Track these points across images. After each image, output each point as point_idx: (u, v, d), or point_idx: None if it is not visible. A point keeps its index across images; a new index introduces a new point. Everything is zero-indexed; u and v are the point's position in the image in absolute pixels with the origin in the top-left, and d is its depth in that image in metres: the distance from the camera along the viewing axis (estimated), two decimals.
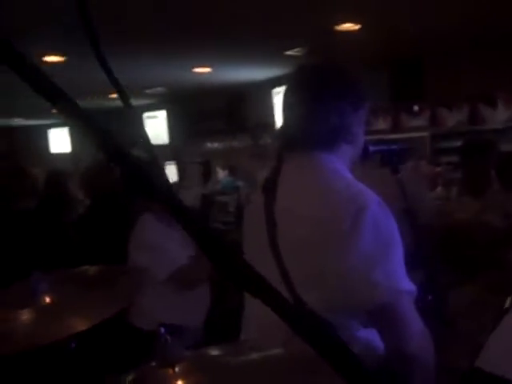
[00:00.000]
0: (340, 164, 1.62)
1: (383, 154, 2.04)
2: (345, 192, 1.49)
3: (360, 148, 1.71)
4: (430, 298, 2.19)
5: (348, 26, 5.35)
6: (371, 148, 1.87)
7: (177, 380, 0.87)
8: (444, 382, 1.77)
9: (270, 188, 1.60)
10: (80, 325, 1.42)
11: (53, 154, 13.95)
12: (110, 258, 2.33)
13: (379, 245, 1.41)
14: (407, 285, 1.42)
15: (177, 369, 0.87)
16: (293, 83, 1.66)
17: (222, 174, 9.04)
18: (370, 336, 1.51)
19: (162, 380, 0.88)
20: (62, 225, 4.18)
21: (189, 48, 5.97)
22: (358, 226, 1.39)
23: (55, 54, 6.23)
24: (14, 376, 1.78)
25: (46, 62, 6.43)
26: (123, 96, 0.67)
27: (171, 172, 10.10)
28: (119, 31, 5.06)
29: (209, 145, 9.78)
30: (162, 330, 0.87)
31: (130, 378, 0.90)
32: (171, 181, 9.80)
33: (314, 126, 1.57)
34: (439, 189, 4.54)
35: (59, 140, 13.75)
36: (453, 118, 7.04)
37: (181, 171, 10.04)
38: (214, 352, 1.00)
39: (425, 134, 7.09)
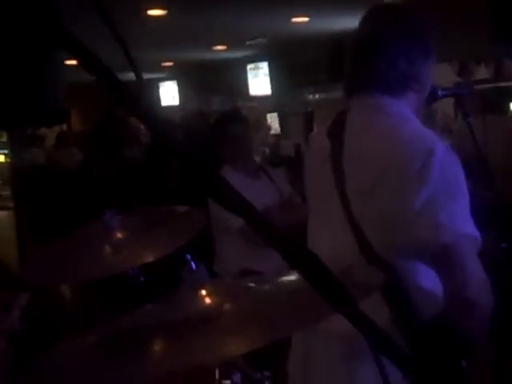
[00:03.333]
0: (407, 110, 1.63)
1: (454, 98, 2.00)
2: (413, 137, 1.52)
3: (425, 96, 1.70)
4: (504, 246, 2.15)
5: None
6: (440, 92, 1.84)
7: (202, 302, 0.97)
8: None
9: (336, 133, 1.64)
10: (146, 257, 1.57)
11: (163, 107, 14.41)
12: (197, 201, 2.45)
13: (446, 188, 1.44)
14: (471, 229, 1.43)
15: (202, 292, 0.97)
16: (364, 24, 1.64)
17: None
18: (433, 285, 1.53)
19: (189, 303, 0.97)
20: (165, 170, 4.41)
21: None
22: (426, 170, 1.42)
23: (158, 8, 6.40)
24: (93, 300, 1.99)
25: (150, 16, 6.63)
26: (135, 68, 0.75)
27: (274, 122, 10.20)
28: None
29: (311, 96, 9.75)
30: (188, 256, 0.96)
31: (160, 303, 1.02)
32: (274, 132, 9.93)
33: (382, 69, 1.57)
34: None
35: (169, 93, 14.16)
36: None
37: (283, 122, 10.12)
38: (240, 281, 1.09)
39: None
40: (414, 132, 1.54)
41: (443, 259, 1.43)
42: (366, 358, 1.26)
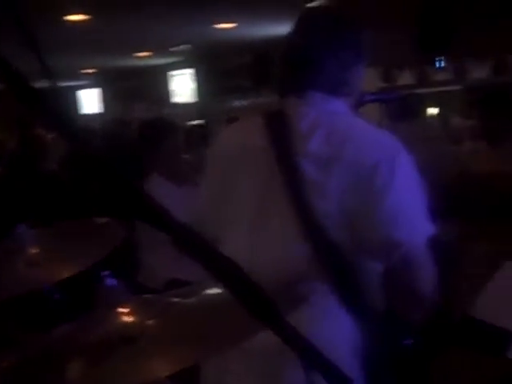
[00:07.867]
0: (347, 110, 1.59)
1: (380, 103, 2.00)
2: (374, 142, 1.48)
3: (355, 99, 1.68)
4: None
5: None
6: (366, 97, 1.84)
7: (121, 321, 0.89)
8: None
9: (276, 128, 1.55)
10: (62, 273, 1.46)
11: (84, 115, 14.03)
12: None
13: (408, 191, 1.43)
14: (428, 228, 1.42)
15: (120, 310, 0.89)
16: (297, 27, 1.60)
17: None
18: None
19: (106, 323, 0.89)
20: (84, 180, 4.23)
21: (209, 2, 5.88)
22: (391, 175, 1.40)
23: (77, 13, 6.21)
24: (7, 319, 1.87)
25: (69, 21, 6.43)
26: (48, 74, 0.69)
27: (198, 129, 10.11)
28: None
29: (236, 102, 9.74)
30: (106, 273, 0.89)
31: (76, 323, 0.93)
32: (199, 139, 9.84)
33: (315, 73, 1.54)
34: (468, 142, 4.47)
35: (91, 101, 13.83)
36: (481, 71, 6.83)
37: (208, 128, 10.05)
38: (163, 295, 1.02)
39: (455, 87, 6.91)
40: (374, 135, 1.51)
41: (400, 258, 1.41)
42: (292, 374, 1.21)
